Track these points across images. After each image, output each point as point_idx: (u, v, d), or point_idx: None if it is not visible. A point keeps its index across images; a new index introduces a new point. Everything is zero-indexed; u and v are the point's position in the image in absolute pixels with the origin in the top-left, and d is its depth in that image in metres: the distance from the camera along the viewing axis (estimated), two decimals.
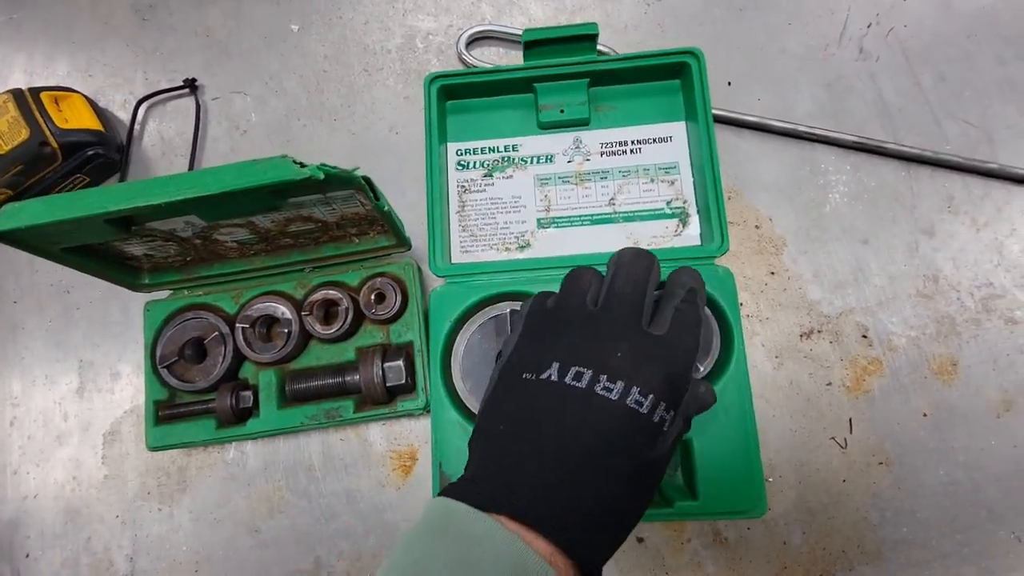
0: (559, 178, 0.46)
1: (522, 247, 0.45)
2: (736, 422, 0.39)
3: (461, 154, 0.47)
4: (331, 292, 0.46)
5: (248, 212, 0.38)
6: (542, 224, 0.45)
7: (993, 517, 0.44)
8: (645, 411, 0.27)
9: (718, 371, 0.41)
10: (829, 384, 0.47)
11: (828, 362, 0.48)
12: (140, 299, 0.48)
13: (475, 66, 0.55)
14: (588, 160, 0.46)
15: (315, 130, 0.56)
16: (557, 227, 0.45)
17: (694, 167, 0.45)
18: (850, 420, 0.46)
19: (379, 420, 0.48)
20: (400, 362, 0.44)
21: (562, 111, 0.46)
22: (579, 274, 0.33)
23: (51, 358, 0.53)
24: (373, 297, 0.46)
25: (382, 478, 0.48)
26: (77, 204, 0.32)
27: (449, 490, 0.27)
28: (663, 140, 0.46)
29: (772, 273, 0.50)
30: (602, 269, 0.42)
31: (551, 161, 0.46)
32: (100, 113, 0.56)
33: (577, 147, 0.46)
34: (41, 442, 0.51)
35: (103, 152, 0.53)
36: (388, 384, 0.44)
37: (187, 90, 0.57)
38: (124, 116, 0.57)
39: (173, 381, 0.46)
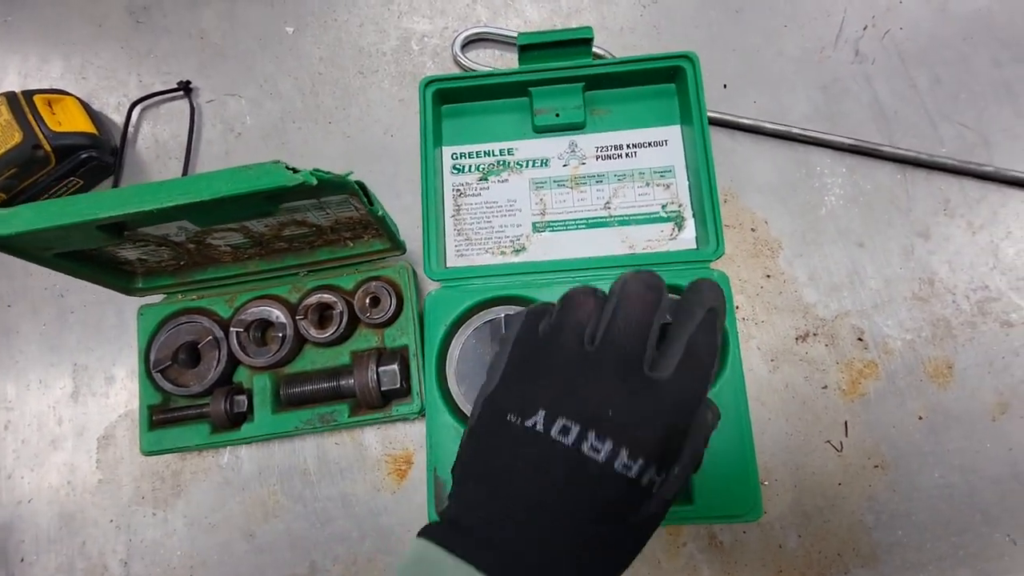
0: (554, 182, 0.46)
1: (517, 251, 0.45)
2: (732, 426, 0.39)
3: (456, 158, 0.47)
4: (326, 296, 0.46)
5: (241, 217, 0.38)
6: (537, 228, 0.45)
7: (988, 520, 0.44)
8: (633, 475, 0.25)
9: (713, 375, 0.40)
10: (825, 387, 0.47)
11: (824, 365, 0.48)
12: (134, 303, 0.47)
13: (470, 68, 0.55)
14: (583, 164, 0.46)
15: (310, 133, 0.56)
16: (552, 231, 0.45)
17: (689, 171, 0.45)
18: (846, 423, 0.46)
19: (374, 424, 0.48)
20: (395, 366, 0.44)
21: (557, 115, 0.46)
22: (577, 302, 0.29)
23: (45, 362, 0.53)
24: (368, 301, 0.46)
25: (377, 482, 0.48)
26: (68, 210, 0.32)
27: (435, 531, 0.26)
28: (659, 144, 0.46)
29: (768, 276, 0.50)
30: (598, 274, 0.43)
31: (546, 165, 0.46)
32: (94, 116, 0.55)
33: (572, 151, 0.46)
34: (35, 446, 0.51)
35: (97, 155, 0.53)
36: (383, 388, 0.44)
37: (181, 92, 0.57)
38: (118, 119, 0.57)
39: (167, 385, 0.46)
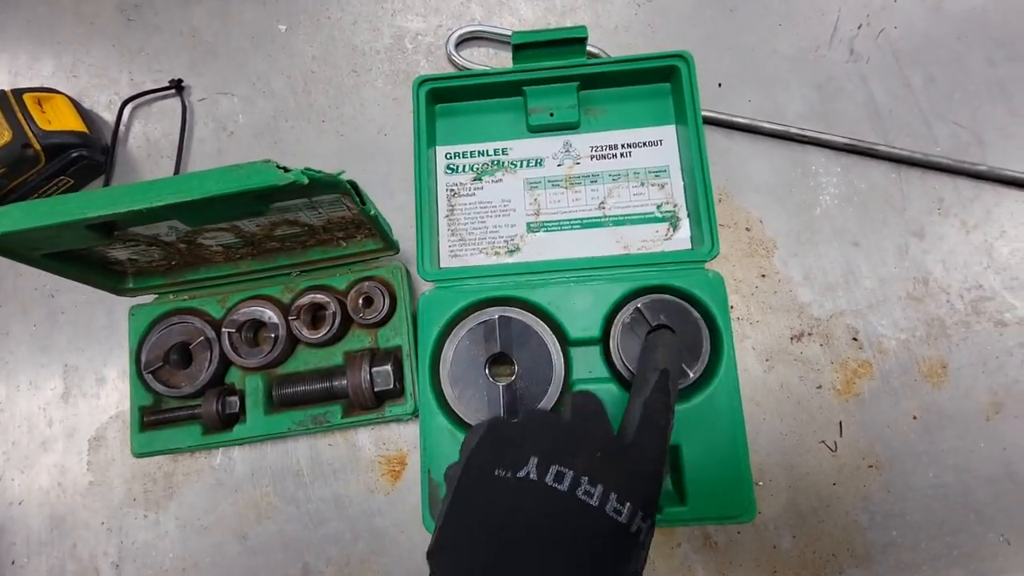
0: (549, 182, 0.46)
1: (511, 251, 0.45)
2: (725, 427, 0.39)
3: (450, 157, 0.47)
4: (318, 296, 0.46)
5: (232, 217, 0.37)
6: (532, 228, 0.45)
7: (982, 520, 0.44)
8: (624, 520, 0.26)
9: (708, 375, 0.40)
10: (819, 387, 0.47)
11: (818, 365, 0.47)
12: (125, 303, 0.47)
13: (464, 67, 0.54)
14: (578, 164, 0.46)
15: (303, 131, 0.55)
16: (547, 231, 0.45)
17: (684, 171, 0.45)
18: (840, 423, 0.46)
19: (368, 425, 0.48)
20: (388, 367, 0.44)
21: (552, 114, 0.46)
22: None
23: (35, 363, 0.52)
24: (361, 301, 0.46)
25: (371, 483, 0.48)
26: (57, 210, 0.32)
27: None
28: (653, 144, 0.46)
29: (763, 275, 0.49)
30: (593, 274, 0.43)
31: (541, 165, 0.46)
32: (84, 114, 0.55)
33: (567, 151, 0.46)
34: (26, 448, 0.51)
35: (87, 154, 0.52)
36: (376, 389, 0.44)
37: (173, 91, 0.56)
38: (109, 117, 0.57)
39: (158, 386, 0.46)
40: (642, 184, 0.45)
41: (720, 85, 0.53)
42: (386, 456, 0.48)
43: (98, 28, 0.59)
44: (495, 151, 0.46)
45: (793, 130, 0.51)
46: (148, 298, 0.48)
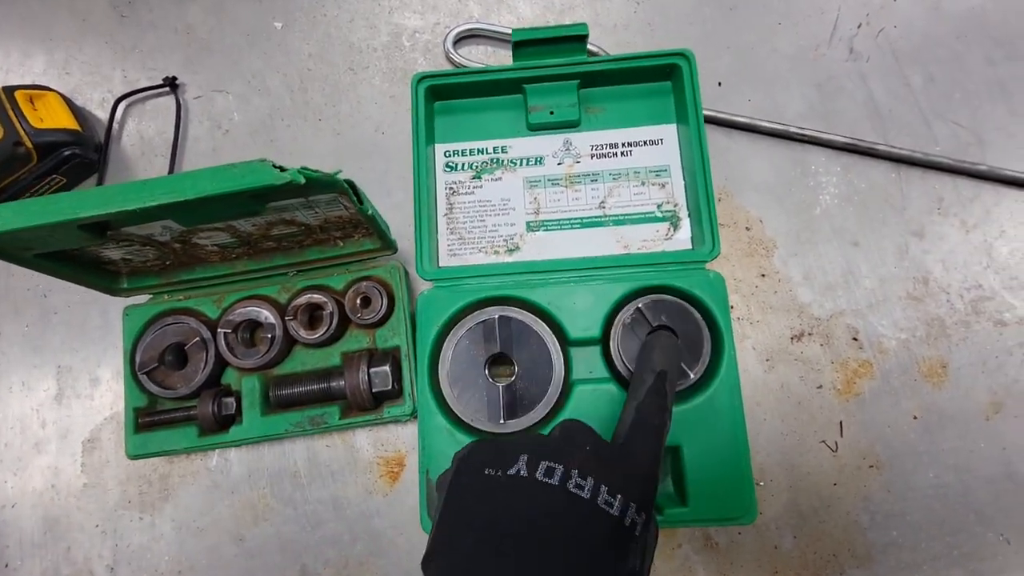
0: (549, 180, 0.45)
1: (511, 250, 0.44)
2: (727, 427, 0.39)
3: (449, 155, 0.46)
4: (315, 296, 0.45)
5: (227, 217, 0.37)
6: (531, 227, 0.45)
7: (982, 520, 0.44)
8: (616, 513, 0.25)
9: (709, 376, 0.40)
10: (820, 387, 0.47)
11: (819, 365, 0.47)
12: (119, 303, 0.46)
13: (462, 65, 0.54)
14: (578, 162, 0.45)
15: (299, 130, 0.55)
16: (546, 230, 0.44)
17: (685, 170, 0.44)
18: (841, 423, 0.46)
19: (366, 426, 0.47)
20: (387, 367, 0.43)
21: (552, 112, 0.45)
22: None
23: (28, 364, 0.51)
24: (359, 301, 0.45)
25: (369, 485, 0.47)
26: (49, 210, 0.31)
27: None
28: (654, 143, 0.45)
29: (763, 275, 0.49)
30: (593, 274, 0.42)
31: (540, 163, 0.46)
32: (77, 112, 0.54)
33: (567, 149, 0.46)
34: (18, 450, 0.50)
35: (80, 152, 0.52)
36: (374, 390, 0.43)
37: (167, 89, 0.55)
38: (102, 115, 0.56)
39: (153, 388, 0.45)
40: (642, 183, 0.45)
41: (720, 84, 0.53)
42: (384, 457, 0.48)
43: (91, 25, 0.58)
44: (494, 149, 0.46)
45: (793, 129, 0.51)
46: (142, 298, 0.47)
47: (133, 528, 0.48)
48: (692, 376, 0.40)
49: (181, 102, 0.55)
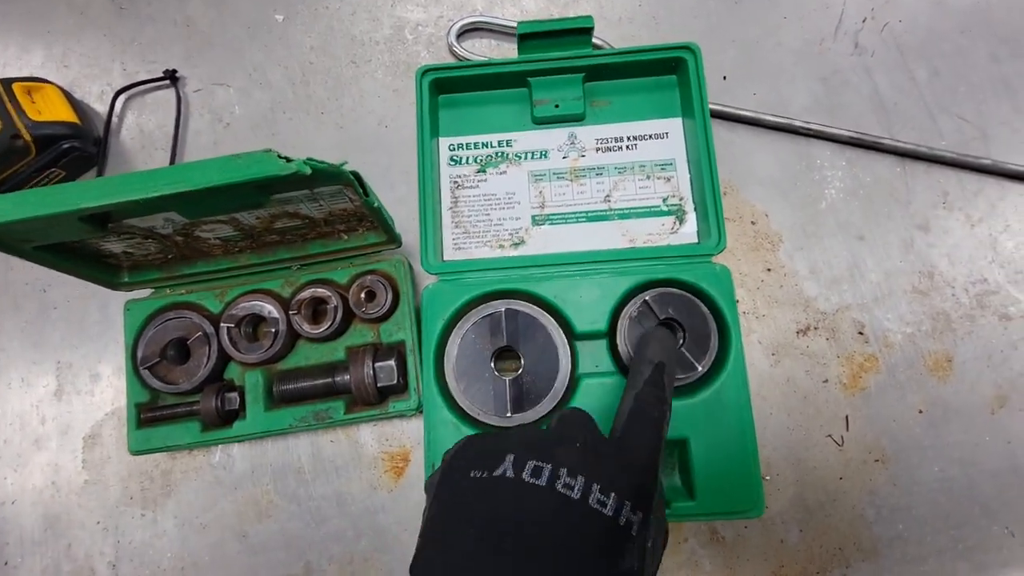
0: (554, 174, 0.45)
1: (516, 244, 0.44)
2: (734, 421, 0.39)
3: (453, 149, 0.46)
4: (319, 290, 0.45)
5: (231, 209, 0.36)
6: (536, 221, 0.44)
7: (987, 513, 0.44)
8: (609, 513, 0.24)
9: (716, 369, 0.40)
10: (826, 381, 0.47)
11: (825, 359, 0.47)
12: (120, 298, 0.46)
13: (466, 58, 0.54)
14: (583, 156, 0.45)
15: (301, 123, 0.54)
16: (552, 224, 0.44)
17: (691, 164, 0.44)
18: (847, 417, 0.46)
19: (370, 421, 0.47)
20: (391, 362, 0.43)
21: (557, 106, 0.45)
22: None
23: (27, 359, 0.51)
24: (363, 295, 0.45)
25: (374, 480, 0.47)
26: (49, 201, 0.30)
27: None
28: (659, 136, 0.45)
29: (768, 270, 0.49)
30: (599, 268, 0.42)
31: (546, 157, 0.45)
32: (76, 105, 0.54)
33: (572, 143, 0.45)
34: (18, 446, 0.49)
35: (79, 145, 0.51)
36: (379, 384, 0.43)
37: (167, 82, 0.55)
38: (101, 108, 0.55)
39: (155, 383, 0.45)
40: (648, 177, 0.44)
41: (725, 78, 0.53)
42: (389, 452, 0.47)
43: (89, 18, 0.58)
44: (499, 143, 0.46)
45: (798, 123, 0.50)
46: (144, 292, 0.47)
47: (135, 525, 0.47)
48: (700, 369, 0.40)
49: (181, 95, 0.55)
